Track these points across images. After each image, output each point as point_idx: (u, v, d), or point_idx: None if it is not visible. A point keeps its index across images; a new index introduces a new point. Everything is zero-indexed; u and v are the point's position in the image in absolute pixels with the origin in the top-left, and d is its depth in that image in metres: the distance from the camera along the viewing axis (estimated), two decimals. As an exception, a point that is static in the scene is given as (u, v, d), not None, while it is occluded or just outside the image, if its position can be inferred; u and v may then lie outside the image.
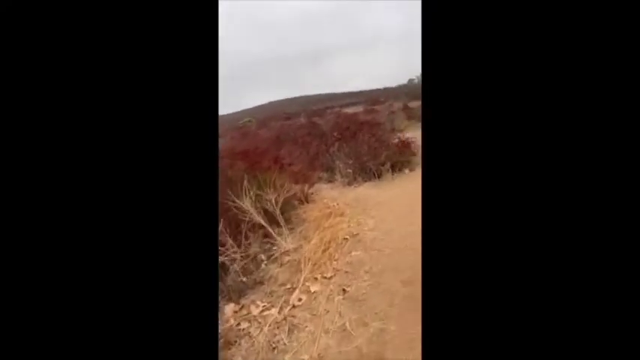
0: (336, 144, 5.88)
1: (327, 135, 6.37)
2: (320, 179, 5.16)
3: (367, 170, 4.85)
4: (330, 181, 5.00)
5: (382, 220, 3.22)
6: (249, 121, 22.22)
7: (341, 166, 4.95)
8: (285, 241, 2.92)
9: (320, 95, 47.97)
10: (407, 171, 5.11)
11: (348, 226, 3.15)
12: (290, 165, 5.91)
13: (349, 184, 4.72)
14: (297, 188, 4.14)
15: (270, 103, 52.04)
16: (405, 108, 11.49)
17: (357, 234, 2.98)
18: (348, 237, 2.93)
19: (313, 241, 2.89)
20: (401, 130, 9.74)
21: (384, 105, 16.84)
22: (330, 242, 2.90)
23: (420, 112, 10.56)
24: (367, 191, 4.27)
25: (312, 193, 4.14)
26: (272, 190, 3.14)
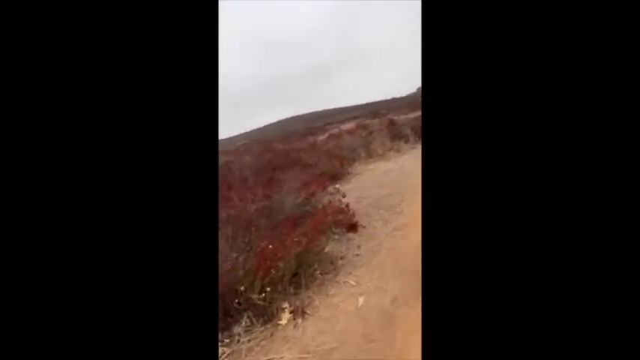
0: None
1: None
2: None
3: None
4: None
5: None
6: (245, 144, 21.27)
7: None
8: None
9: (326, 111, 45.58)
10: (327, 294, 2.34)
11: None
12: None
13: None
14: None
15: (279, 122, 50.09)
16: (390, 124, 8.62)
17: None
18: None
19: None
20: (379, 155, 6.94)
21: (383, 118, 14.38)
22: None
23: (408, 130, 7.73)
24: None
25: None
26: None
